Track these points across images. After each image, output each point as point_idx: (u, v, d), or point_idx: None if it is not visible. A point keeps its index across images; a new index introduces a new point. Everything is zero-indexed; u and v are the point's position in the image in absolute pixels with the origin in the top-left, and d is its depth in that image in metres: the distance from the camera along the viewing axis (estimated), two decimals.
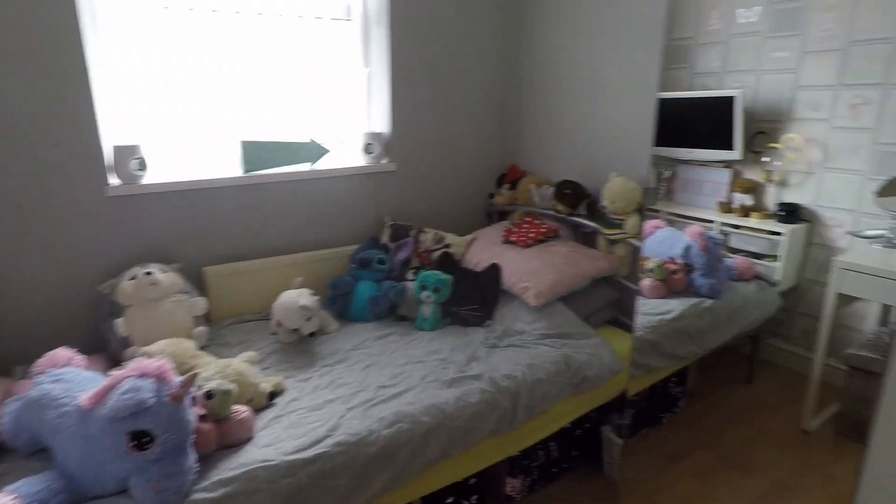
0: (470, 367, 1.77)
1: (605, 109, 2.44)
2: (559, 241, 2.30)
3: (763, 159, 2.27)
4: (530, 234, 2.31)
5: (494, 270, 2.16)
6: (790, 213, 2.18)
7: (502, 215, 2.74)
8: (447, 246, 2.39)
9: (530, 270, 2.09)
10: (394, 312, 2.16)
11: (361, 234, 2.58)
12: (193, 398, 1.33)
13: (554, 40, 2.66)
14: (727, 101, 2.30)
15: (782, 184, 2.26)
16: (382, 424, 1.47)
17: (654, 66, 2.46)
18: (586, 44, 2.52)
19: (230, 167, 2.26)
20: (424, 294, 2.08)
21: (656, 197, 2.39)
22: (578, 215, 2.32)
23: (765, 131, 2.31)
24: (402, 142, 2.61)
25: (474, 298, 2.13)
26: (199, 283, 2.14)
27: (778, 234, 2.18)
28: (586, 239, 2.38)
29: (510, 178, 2.77)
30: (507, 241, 2.34)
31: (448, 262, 2.29)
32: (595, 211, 2.27)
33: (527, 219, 2.43)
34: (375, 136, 2.49)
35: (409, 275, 2.31)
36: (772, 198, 2.27)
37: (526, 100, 2.84)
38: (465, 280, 2.18)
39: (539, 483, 1.90)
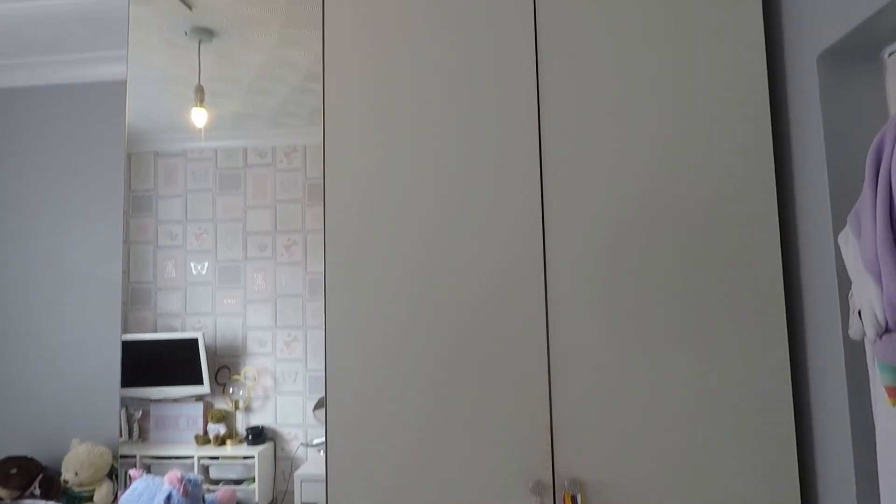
0: None
1: (54, 364, 2.21)
2: None
3: (230, 390, 2.58)
4: None
5: None
6: (257, 435, 2.51)
7: None
8: None
9: None
10: None
11: None
12: None
13: None
14: (192, 342, 2.55)
15: (248, 409, 2.60)
16: None
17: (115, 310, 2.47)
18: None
19: None
20: None
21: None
22: (32, 496, 1.92)
23: (227, 366, 2.66)
24: None
25: None
26: None
27: (251, 457, 2.44)
28: None
29: None
30: None
31: None
32: (55, 487, 1.95)
33: None
34: None
35: None
36: (241, 423, 2.56)
37: None
38: None
39: None
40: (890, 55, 1.08)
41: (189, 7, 2.03)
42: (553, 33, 1.21)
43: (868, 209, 0.81)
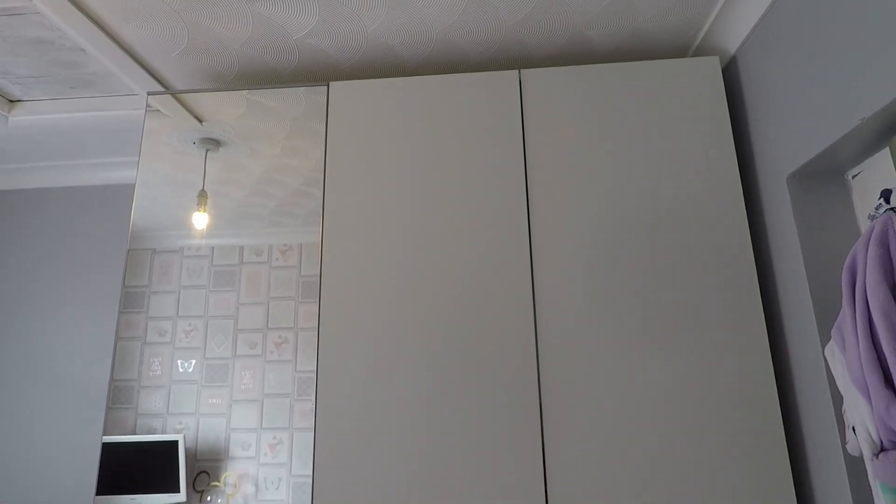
0: None
1: (25, 472, 2.10)
2: None
3: (207, 498, 2.43)
4: None
5: None
6: None
7: None
8: None
9: None
10: None
11: None
12: None
13: None
14: (172, 445, 2.43)
15: None
16: None
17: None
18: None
19: None
20: None
21: None
22: None
23: (207, 471, 2.52)
24: None
25: None
26: None
27: None
28: None
29: None
30: None
31: None
32: None
33: None
34: None
35: None
36: None
37: None
38: None
39: None
40: (853, 177, 1.17)
41: (200, 121, 2.17)
42: (541, 176, 1.31)
43: (849, 326, 0.84)
